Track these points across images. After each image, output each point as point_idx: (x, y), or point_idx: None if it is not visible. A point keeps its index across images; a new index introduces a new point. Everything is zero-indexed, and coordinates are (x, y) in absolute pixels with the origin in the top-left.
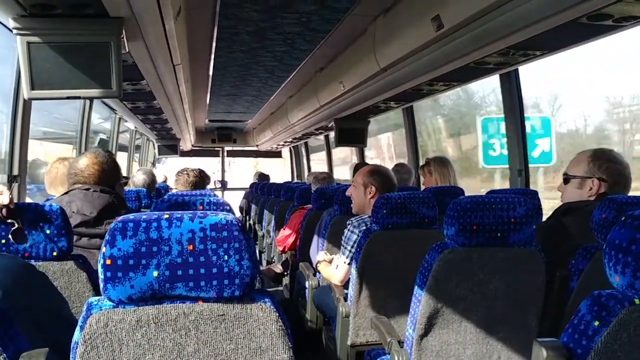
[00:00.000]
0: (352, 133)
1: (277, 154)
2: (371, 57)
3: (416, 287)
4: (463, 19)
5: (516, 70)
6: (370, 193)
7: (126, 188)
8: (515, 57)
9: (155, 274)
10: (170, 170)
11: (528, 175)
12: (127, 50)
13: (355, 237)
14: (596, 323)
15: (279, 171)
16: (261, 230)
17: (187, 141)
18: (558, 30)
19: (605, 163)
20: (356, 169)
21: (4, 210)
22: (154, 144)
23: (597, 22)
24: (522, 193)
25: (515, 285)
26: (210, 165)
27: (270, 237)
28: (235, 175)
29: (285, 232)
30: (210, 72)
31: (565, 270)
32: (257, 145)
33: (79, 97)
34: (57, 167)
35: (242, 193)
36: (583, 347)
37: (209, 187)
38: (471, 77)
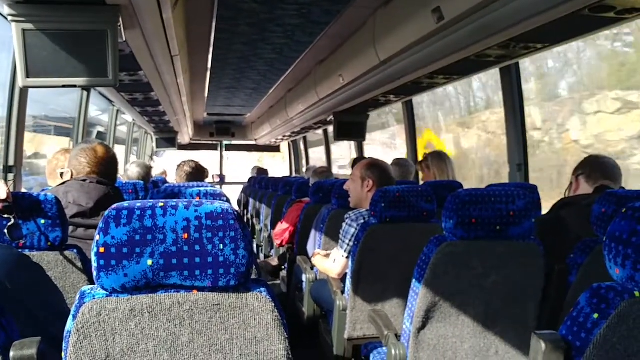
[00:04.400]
0: (352, 127)
1: (275, 149)
2: (371, 50)
3: (414, 280)
4: (464, 10)
5: (517, 64)
6: (367, 186)
7: (121, 180)
8: (517, 50)
9: (149, 262)
10: (170, 164)
11: (527, 170)
12: (124, 39)
13: (353, 230)
14: (595, 315)
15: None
16: (259, 224)
17: (186, 134)
18: (560, 22)
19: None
20: (355, 163)
21: (0, 205)
22: (152, 137)
23: (600, 14)
24: (521, 187)
25: (514, 279)
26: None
27: (267, 231)
28: (232, 169)
29: (282, 225)
30: (209, 64)
31: (563, 264)
32: (255, 140)
33: (74, 86)
34: (58, 158)
35: (240, 187)
36: (582, 339)
37: (207, 180)
38: (472, 70)
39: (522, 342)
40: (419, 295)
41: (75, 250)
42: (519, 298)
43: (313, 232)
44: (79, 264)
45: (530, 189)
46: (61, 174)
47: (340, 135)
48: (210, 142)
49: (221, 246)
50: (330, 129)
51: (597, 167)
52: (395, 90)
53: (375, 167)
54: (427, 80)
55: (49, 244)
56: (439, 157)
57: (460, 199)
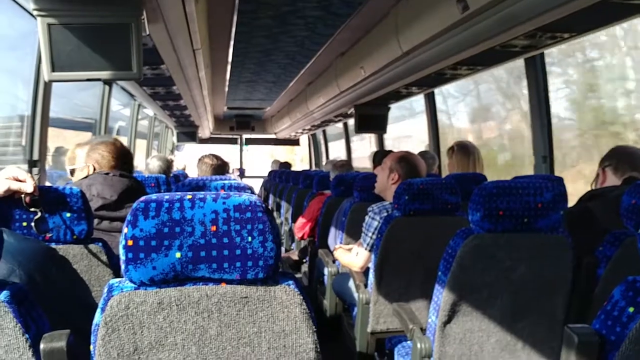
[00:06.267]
0: (372, 119)
1: (295, 142)
2: (393, 41)
3: (440, 273)
4: (490, 0)
5: (541, 54)
6: (392, 179)
7: (143, 174)
8: (543, 39)
9: (177, 255)
10: (189, 158)
11: (552, 162)
12: (148, 32)
13: (376, 223)
14: (631, 309)
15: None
16: (279, 217)
17: (206, 128)
18: (588, 10)
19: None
20: (375, 156)
21: (27, 198)
22: (172, 131)
23: (630, 2)
24: (547, 179)
25: (541, 272)
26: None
27: (288, 224)
28: (251, 162)
29: (303, 218)
30: (230, 58)
31: (592, 257)
32: (275, 133)
33: (99, 79)
34: (75, 152)
35: (260, 181)
36: (616, 333)
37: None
38: (496, 60)
39: (549, 336)
40: (444, 288)
41: (100, 244)
42: (547, 291)
43: (334, 225)
44: (104, 258)
45: (557, 180)
46: (72, 171)
47: (361, 128)
48: (230, 136)
49: (249, 239)
50: (350, 122)
51: (624, 158)
52: (418, 82)
53: (404, 162)
54: (450, 71)
55: (75, 237)
56: (462, 149)
57: (487, 191)
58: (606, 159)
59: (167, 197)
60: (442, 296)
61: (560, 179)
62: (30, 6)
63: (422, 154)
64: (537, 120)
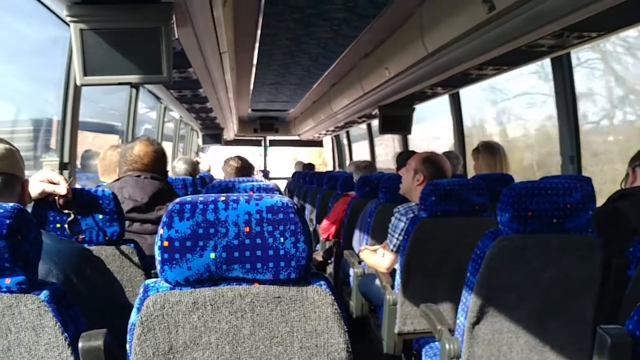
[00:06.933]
0: (397, 120)
1: (318, 144)
2: (418, 42)
3: (468, 274)
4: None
5: (568, 54)
6: (418, 180)
7: (170, 177)
8: (570, 39)
9: (212, 255)
10: (214, 160)
11: (580, 162)
12: (177, 36)
13: (402, 224)
14: None
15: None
16: None
17: (231, 130)
18: (616, 9)
19: None
20: (399, 157)
21: (61, 200)
22: (197, 134)
23: None
24: (575, 179)
25: (571, 273)
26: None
27: (312, 225)
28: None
29: (329, 219)
30: (255, 60)
31: (622, 258)
32: (298, 135)
33: (129, 83)
34: (110, 154)
35: (283, 182)
36: None
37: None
38: (523, 60)
39: (578, 337)
40: (473, 289)
41: (132, 245)
42: (576, 292)
43: (359, 226)
44: (136, 259)
45: (585, 180)
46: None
47: (385, 129)
48: (254, 138)
49: (282, 239)
50: (374, 123)
51: None
52: (443, 82)
53: (429, 163)
54: (476, 71)
55: (107, 238)
56: (489, 149)
57: (516, 192)
58: (636, 158)
59: (201, 198)
60: (470, 297)
61: (589, 179)
62: (63, 13)
63: (446, 154)
64: (564, 120)
